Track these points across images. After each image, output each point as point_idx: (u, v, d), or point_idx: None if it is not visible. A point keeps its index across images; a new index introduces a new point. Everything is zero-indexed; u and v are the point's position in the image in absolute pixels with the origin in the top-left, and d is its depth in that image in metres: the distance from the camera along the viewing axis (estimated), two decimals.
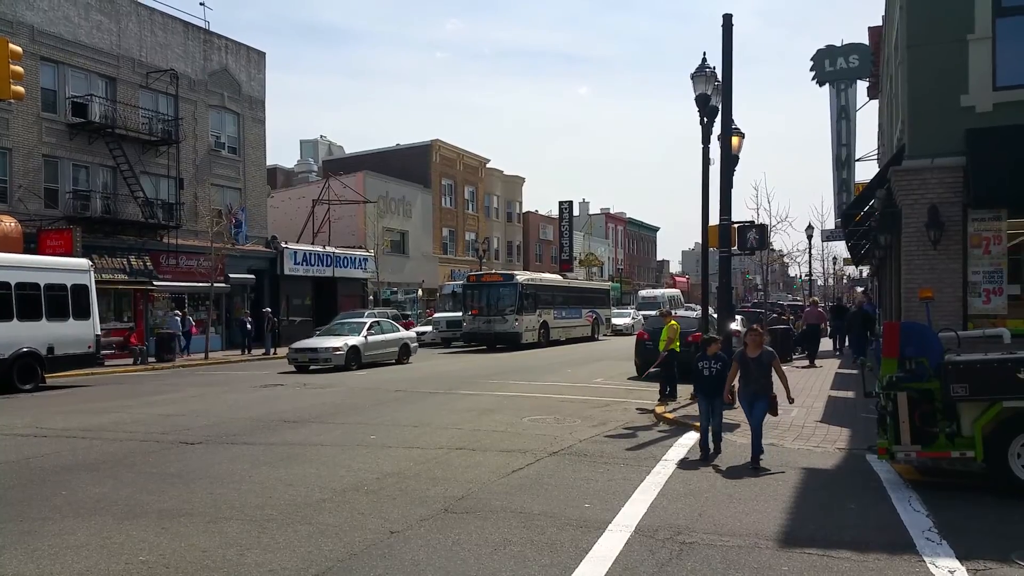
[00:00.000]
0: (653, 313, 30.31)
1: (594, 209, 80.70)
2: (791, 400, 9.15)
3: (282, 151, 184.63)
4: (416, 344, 25.62)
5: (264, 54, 35.00)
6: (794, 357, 22.46)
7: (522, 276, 32.79)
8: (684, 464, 8.52)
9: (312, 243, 37.71)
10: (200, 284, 28.45)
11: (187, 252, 29.34)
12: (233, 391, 16.85)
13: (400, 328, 25.56)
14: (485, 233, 54.93)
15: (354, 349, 22.14)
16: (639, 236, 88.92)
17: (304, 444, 9.94)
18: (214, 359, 26.59)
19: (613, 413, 12.70)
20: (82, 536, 5.92)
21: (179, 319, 27.79)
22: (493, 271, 37.26)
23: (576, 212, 69.13)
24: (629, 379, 18.29)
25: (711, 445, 8.97)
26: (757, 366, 8.47)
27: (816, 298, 38.44)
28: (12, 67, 14.51)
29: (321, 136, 60.52)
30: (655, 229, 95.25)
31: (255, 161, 34.35)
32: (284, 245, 34.80)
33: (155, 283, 27.80)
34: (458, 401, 14.42)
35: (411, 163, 49.36)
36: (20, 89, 14.91)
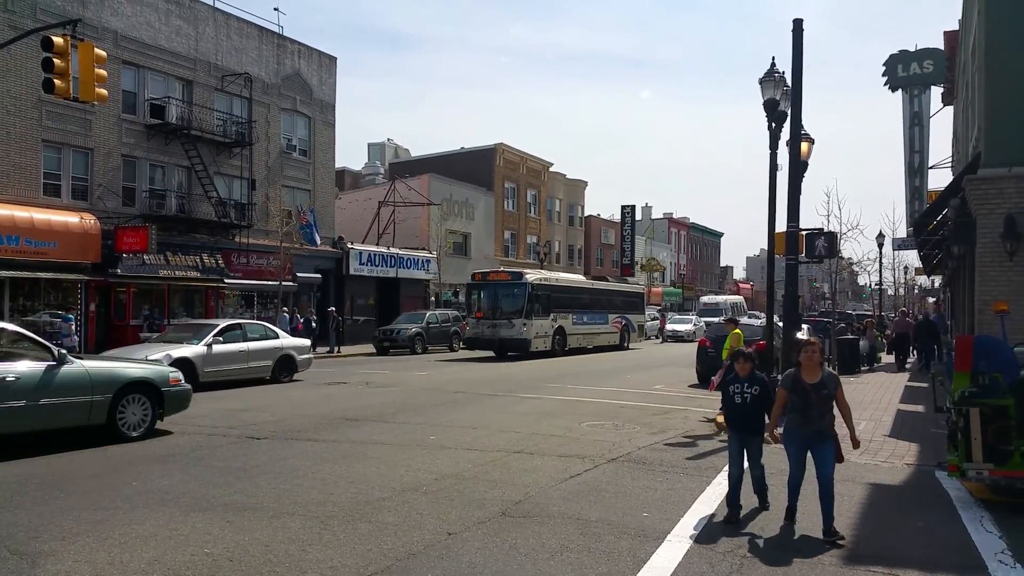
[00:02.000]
0: (716, 320, 29.82)
1: (657, 213, 79.88)
2: (856, 444, 6.45)
3: (350, 153, 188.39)
4: (308, 356, 19.64)
5: (335, 59, 35.78)
6: (861, 370, 21.97)
7: (532, 275, 28.94)
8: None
9: (377, 244, 38.37)
10: (269, 283, 29.29)
11: (257, 251, 30.22)
12: (297, 388, 17.27)
13: (280, 335, 19.48)
14: (547, 236, 54.94)
15: (184, 364, 15.57)
16: (702, 241, 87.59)
17: (365, 442, 10.12)
18: None
19: (673, 421, 12.55)
20: (150, 527, 6.15)
21: (287, 316, 28.83)
22: (500, 269, 32.33)
23: (639, 216, 68.57)
24: (690, 387, 18.04)
25: (742, 500, 6.65)
26: (818, 396, 6.10)
27: (904, 308, 38.28)
28: (97, 71, 15.10)
29: (388, 139, 61.58)
30: (719, 234, 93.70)
31: (324, 163, 35.15)
32: (350, 246, 35.51)
33: (226, 281, 28.71)
34: (517, 404, 14.46)
35: (475, 166, 49.77)
36: (103, 92, 15.49)
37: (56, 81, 14.59)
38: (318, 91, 34.62)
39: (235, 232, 29.81)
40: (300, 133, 33.97)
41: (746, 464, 6.73)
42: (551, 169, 56.40)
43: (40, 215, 22.88)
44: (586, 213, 62.49)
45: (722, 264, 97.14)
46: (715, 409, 13.35)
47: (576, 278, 35.20)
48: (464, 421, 12.13)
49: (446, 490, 7.47)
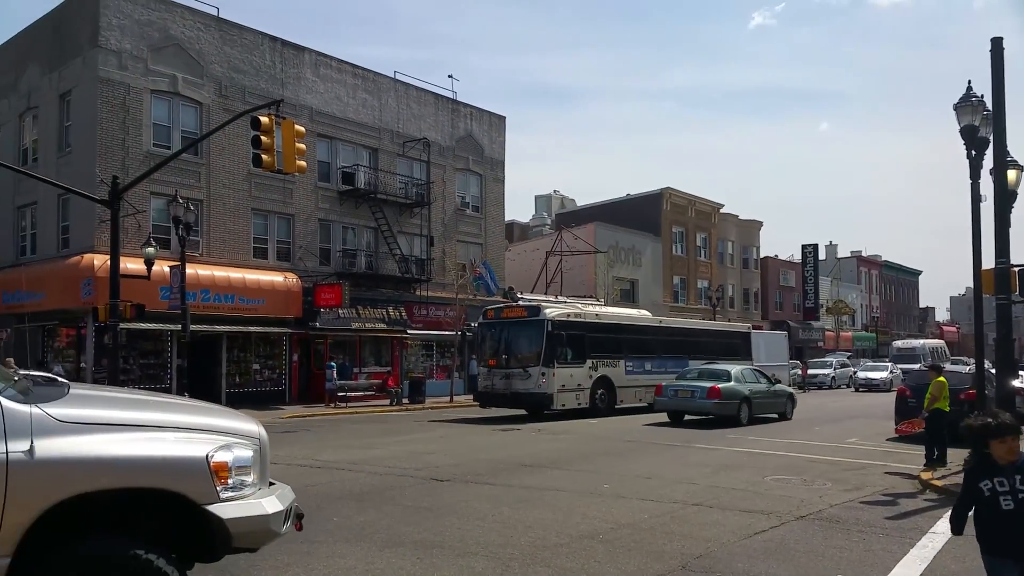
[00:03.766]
0: (915, 367, 27.54)
1: (843, 252, 75.17)
2: None
3: (518, 206, 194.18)
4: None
5: (504, 118, 37.40)
6: None
7: (554, 309, 23.10)
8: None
9: (545, 293, 39.01)
10: (446, 332, 30.61)
11: (436, 303, 31.76)
12: (473, 433, 17.78)
13: None
14: (719, 280, 53.35)
15: None
16: (897, 281, 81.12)
17: (540, 488, 10.21)
18: (457, 402, 28.28)
19: (869, 477, 11.61)
20: (351, 560, 6.57)
21: (475, 362, 30.15)
22: (518, 303, 25.16)
23: (822, 256, 64.93)
24: (888, 440, 16.62)
25: None
26: None
27: None
28: (297, 145, 16.59)
29: (554, 191, 63.15)
30: (916, 273, 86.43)
31: (495, 217, 36.55)
32: (520, 295, 36.35)
33: (408, 331, 30.36)
34: (692, 455, 14.01)
35: (641, 212, 49.65)
36: (303, 164, 16.96)
37: (264, 156, 16.16)
38: (488, 150, 36.23)
39: (416, 286, 31.55)
40: (472, 191, 35.61)
41: None
42: (722, 211, 55.04)
43: (251, 275, 25.51)
44: (762, 255, 60.14)
45: (922, 305, 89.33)
46: (918, 465, 12.22)
47: (635, 313, 28.97)
48: (638, 470, 11.92)
49: (623, 539, 7.36)
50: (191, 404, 5.16)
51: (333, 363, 26.09)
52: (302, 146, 16.73)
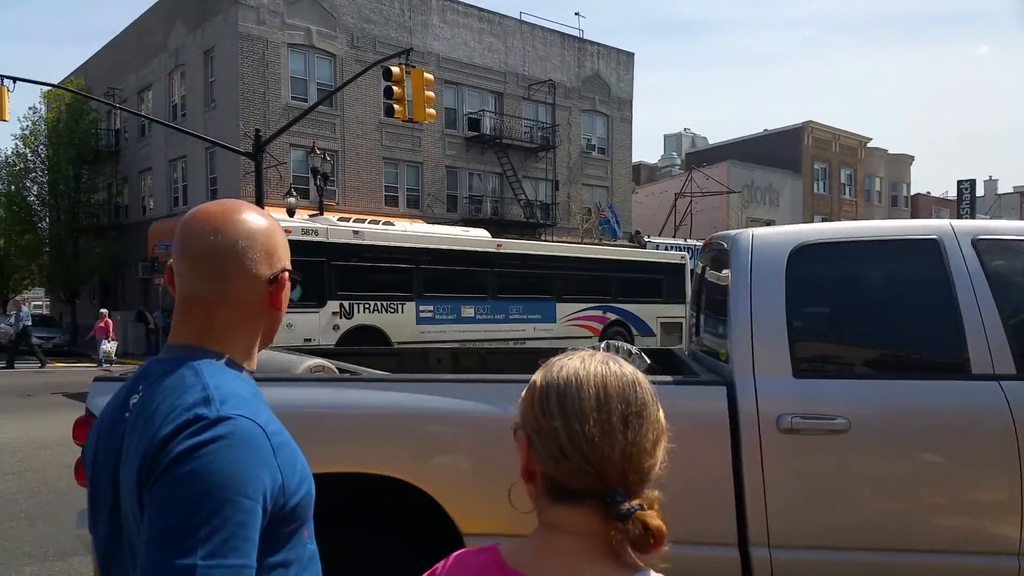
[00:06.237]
0: None
1: (1005, 187, 68.54)
2: None
3: (646, 147, 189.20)
4: None
5: (632, 55, 36.13)
6: None
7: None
8: None
9: (673, 236, 38.04)
10: None
11: None
12: None
13: None
14: (865, 220, 50.00)
15: None
16: None
17: None
18: None
19: None
20: None
21: None
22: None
23: (980, 192, 59.32)
24: None
25: None
26: None
27: None
28: (426, 93, 16.59)
29: (685, 129, 60.90)
30: None
31: (621, 159, 35.75)
32: (647, 239, 35.64)
33: None
34: None
35: (779, 149, 47.01)
36: (432, 112, 16.96)
37: (395, 106, 16.21)
38: (616, 89, 35.23)
39: (541, 231, 31.55)
40: (599, 132, 34.89)
41: None
42: (869, 145, 51.24)
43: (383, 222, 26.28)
44: (912, 191, 55.80)
45: None
46: None
47: (453, 233, 19.71)
48: None
49: None
50: None
51: None
52: (431, 94, 16.59)
